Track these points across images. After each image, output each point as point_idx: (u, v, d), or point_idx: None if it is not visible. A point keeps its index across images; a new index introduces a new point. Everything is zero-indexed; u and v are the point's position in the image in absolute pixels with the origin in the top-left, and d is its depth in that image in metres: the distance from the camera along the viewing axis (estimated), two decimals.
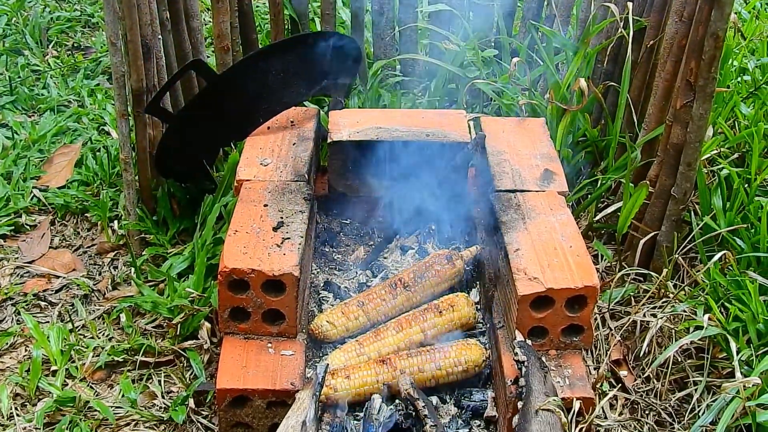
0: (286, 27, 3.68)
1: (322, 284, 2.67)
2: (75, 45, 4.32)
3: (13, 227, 3.07)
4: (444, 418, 2.28)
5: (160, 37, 2.85)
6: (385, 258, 2.79)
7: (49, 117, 3.66)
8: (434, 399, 2.31)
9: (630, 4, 2.87)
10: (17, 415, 2.37)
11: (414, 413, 2.19)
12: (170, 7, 2.93)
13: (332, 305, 2.58)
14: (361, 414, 2.23)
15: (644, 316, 2.53)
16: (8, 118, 3.62)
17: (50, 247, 3.02)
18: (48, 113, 3.70)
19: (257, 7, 4.42)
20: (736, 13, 3.81)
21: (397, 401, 2.28)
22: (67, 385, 2.46)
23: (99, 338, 2.62)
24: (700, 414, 2.28)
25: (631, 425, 2.37)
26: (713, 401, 2.28)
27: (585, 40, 3.04)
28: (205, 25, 4.03)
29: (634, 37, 2.86)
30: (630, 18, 2.84)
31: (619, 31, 2.94)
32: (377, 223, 2.91)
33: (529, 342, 2.20)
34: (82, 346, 2.57)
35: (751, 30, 3.82)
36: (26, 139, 3.49)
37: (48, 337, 2.55)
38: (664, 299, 2.56)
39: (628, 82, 2.87)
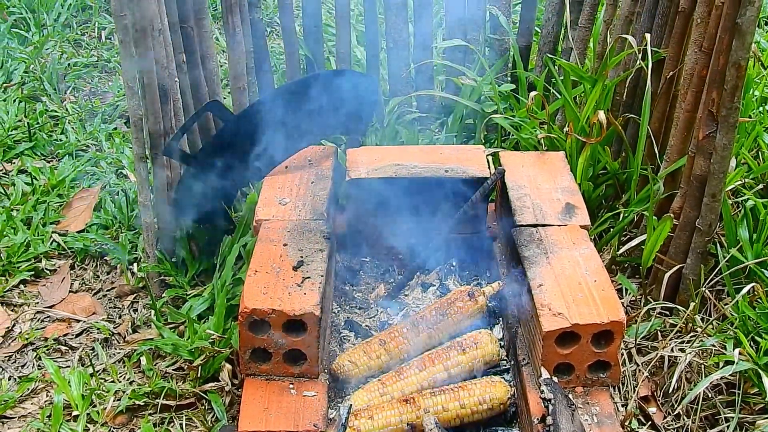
0: (302, 66, 3.69)
1: (343, 323, 2.64)
2: (92, 90, 4.35)
3: (33, 272, 3.07)
4: None
5: (176, 79, 2.86)
6: (406, 295, 2.77)
7: (67, 162, 3.68)
8: None
9: (648, 36, 2.86)
10: None
11: None
12: (186, 49, 2.94)
13: (354, 344, 2.55)
14: None
15: (672, 351, 2.49)
16: (27, 164, 3.64)
17: (70, 291, 3.01)
18: (66, 158, 3.72)
19: (272, 47, 4.44)
20: (755, 42, 3.79)
21: None
22: (88, 430, 2.44)
23: (120, 382, 2.60)
24: None
25: None
26: None
27: (603, 73, 3.03)
28: (221, 66, 4.06)
29: (653, 69, 2.84)
30: (648, 49, 2.83)
31: (638, 62, 2.92)
32: (397, 260, 2.89)
33: (555, 379, 2.16)
34: (103, 391, 2.55)
35: None
36: (45, 184, 3.51)
37: (69, 382, 2.53)
38: (691, 333, 2.52)
39: (648, 113, 2.84)
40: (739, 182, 2.86)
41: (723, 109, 2.41)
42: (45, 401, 2.56)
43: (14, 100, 4.12)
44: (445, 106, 3.80)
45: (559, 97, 3.26)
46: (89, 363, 2.66)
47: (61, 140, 3.86)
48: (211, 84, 3.11)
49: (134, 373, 2.64)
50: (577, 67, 3.21)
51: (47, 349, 2.75)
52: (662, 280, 2.65)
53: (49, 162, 3.73)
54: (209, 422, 2.44)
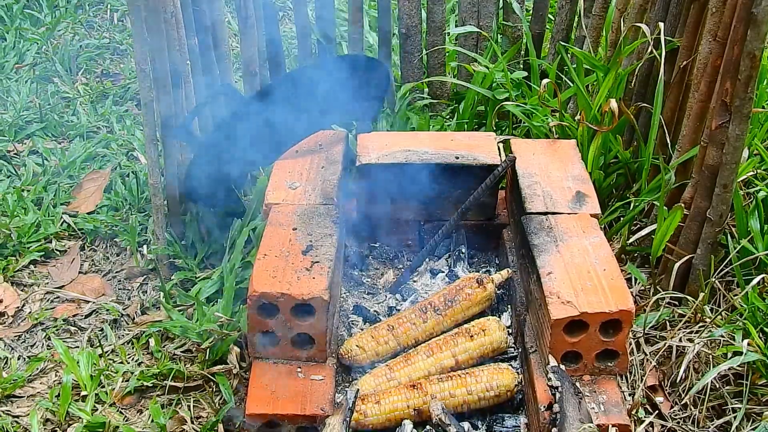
0: (314, 51, 3.69)
1: (351, 308, 2.65)
2: (104, 72, 4.35)
3: (43, 253, 3.08)
4: None
5: (188, 62, 2.86)
6: (414, 281, 2.77)
7: (78, 143, 3.68)
8: (466, 425, 2.28)
9: (662, 25, 2.84)
10: None
11: None
12: (198, 32, 2.93)
13: (362, 329, 2.56)
14: None
15: (680, 341, 2.48)
16: (38, 145, 3.65)
17: (80, 272, 3.02)
18: (77, 139, 3.73)
19: (284, 31, 4.43)
20: None
21: (428, 427, 2.25)
22: (96, 410, 2.45)
23: (128, 363, 2.61)
24: None
25: None
26: (753, 429, 2.23)
27: (616, 61, 3.01)
28: (233, 49, 4.05)
29: (667, 58, 2.83)
30: (662, 38, 2.81)
31: (651, 51, 2.90)
32: (407, 246, 2.89)
33: (562, 367, 2.16)
34: (112, 371, 2.56)
35: None
36: (56, 165, 3.51)
37: (78, 362, 2.54)
38: (700, 324, 2.51)
39: (661, 103, 2.83)
40: (751, 173, 2.85)
41: (736, 100, 2.39)
42: (54, 381, 2.57)
43: (26, 81, 4.13)
44: (456, 92, 3.79)
45: (572, 85, 3.24)
46: (98, 344, 2.67)
47: (72, 121, 3.87)
48: (222, 67, 3.10)
49: (143, 354, 2.65)
50: (590, 55, 3.20)
51: (57, 330, 2.76)
52: (672, 270, 2.64)
53: (60, 143, 3.74)
54: (217, 404, 2.45)
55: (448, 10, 4.10)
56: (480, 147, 2.81)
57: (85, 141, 3.71)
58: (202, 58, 2.98)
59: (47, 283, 2.97)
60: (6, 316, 2.82)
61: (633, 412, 2.29)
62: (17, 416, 2.45)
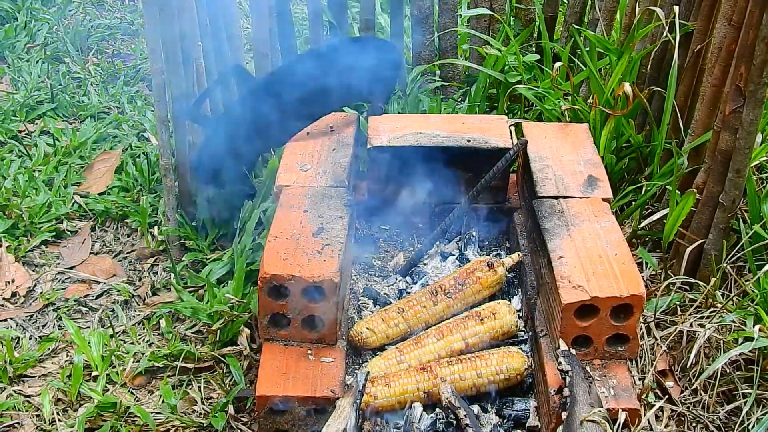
0: (325, 33, 3.67)
1: (361, 291, 2.65)
2: (115, 52, 4.35)
3: (54, 233, 3.09)
4: (485, 427, 2.24)
5: (199, 43, 2.85)
6: (425, 264, 2.77)
7: (89, 124, 3.69)
8: (476, 408, 2.28)
9: (676, 8, 2.82)
10: (59, 420, 2.37)
11: (455, 422, 2.17)
12: (209, 13, 2.92)
13: (372, 312, 2.56)
14: (402, 422, 2.21)
15: (691, 326, 2.48)
16: (50, 125, 3.65)
17: (91, 253, 3.03)
18: (89, 120, 3.73)
19: (296, 13, 4.42)
20: None
21: (437, 409, 2.25)
22: (107, 390, 2.46)
23: (139, 344, 2.62)
24: (750, 428, 2.23)
25: None
26: (763, 414, 2.22)
27: (630, 45, 2.99)
28: (245, 31, 4.04)
29: (681, 42, 2.81)
30: (676, 22, 2.79)
31: (665, 35, 2.88)
32: (417, 229, 2.89)
33: (573, 351, 2.16)
34: (123, 352, 2.57)
35: None
36: (67, 145, 3.52)
37: (89, 343, 2.55)
38: (711, 309, 2.51)
39: (675, 87, 2.81)
40: (764, 158, 2.83)
41: (751, 84, 2.38)
42: (65, 361, 2.58)
43: (37, 61, 4.14)
44: (468, 75, 3.78)
45: (584, 68, 3.23)
46: (109, 324, 2.68)
47: (83, 102, 3.87)
48: (234, 48, 3.10)
49: (153, 335, 2.66)
50: (604, 39, 3.18)
51: (68, 310, 2.77)
52: (683, 255, 2.64)
53: (71, 123, 3.74)
54: (227, 386, 2.46)
55: None
56: (492, 130, 2.80)
57: (96, 122, 3.71)
58: (213, 39, 2.98)
59: (58, 263, 2.98)
60: (17, 296, 2.83)
61: (643, 397, 2.29)
62: (29, 396, 2.46)
